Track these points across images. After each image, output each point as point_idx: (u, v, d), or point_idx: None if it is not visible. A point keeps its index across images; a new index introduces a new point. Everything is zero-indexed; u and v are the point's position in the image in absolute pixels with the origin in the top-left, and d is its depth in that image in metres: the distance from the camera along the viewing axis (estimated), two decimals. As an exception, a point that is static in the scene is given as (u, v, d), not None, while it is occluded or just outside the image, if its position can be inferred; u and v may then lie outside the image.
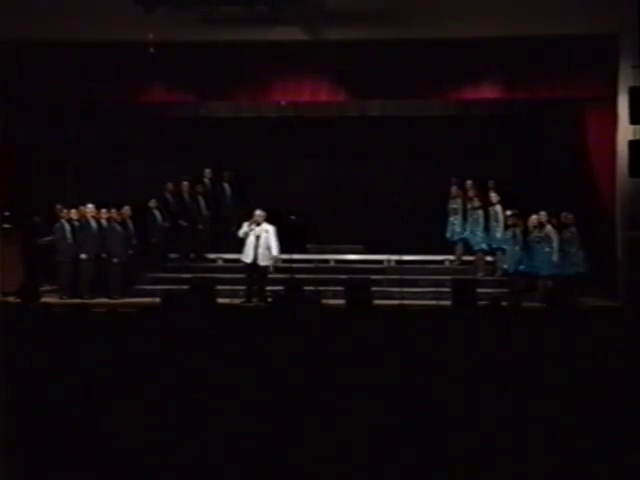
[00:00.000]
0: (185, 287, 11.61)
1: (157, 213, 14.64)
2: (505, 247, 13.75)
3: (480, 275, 13.97)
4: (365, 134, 15.39)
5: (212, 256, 14.98)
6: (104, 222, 13.97)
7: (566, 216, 13.48)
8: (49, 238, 13.91)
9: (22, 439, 5.02)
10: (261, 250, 13.22)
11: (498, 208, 14.01)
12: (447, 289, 11.59)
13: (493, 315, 8.29)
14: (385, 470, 4.81)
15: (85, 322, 7.39)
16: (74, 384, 5.55)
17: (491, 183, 14.36)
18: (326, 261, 14.55)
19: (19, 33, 13.33)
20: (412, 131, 15.12)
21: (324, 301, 10.80)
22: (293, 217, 14.73)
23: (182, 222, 14.88)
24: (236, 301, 12.55)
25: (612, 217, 13.71)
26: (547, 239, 13.32)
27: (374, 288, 11.32)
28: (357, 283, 11.71)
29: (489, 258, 14.26)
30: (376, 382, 5.48)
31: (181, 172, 15.25)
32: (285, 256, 14.55)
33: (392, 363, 5.76)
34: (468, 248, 14.45)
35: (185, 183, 15.03)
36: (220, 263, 14.86)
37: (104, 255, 13.79)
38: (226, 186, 15.37)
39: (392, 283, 13.44)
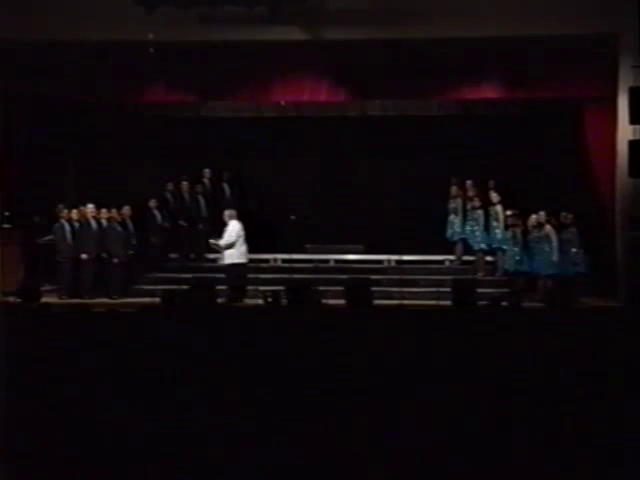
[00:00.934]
0: (185, 287, 11.60)
1: (157, 213, 14.65)
2: (505, 247, 13.76)
3: (480, 275, 13.97)
4: (365, 134, 15.40)
5: (212, 256, 14.98)
6: (104, 222, 13.98)
7: (566, 216, 13.48)
8: (49, 238, 13.91)
9: (22, 439, 5.02)
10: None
11: (498, 208, 14.02)
12: (447, 289, 11.57)
13: (493, 315, 8.29)
14: (385, 470, 4.82)
15: (85, 322, 7.38)
16: (74, 384, 5.55)
17: (491, 183, 14.37)
18: (326, 261, 14.54)
19: (19, 33, 13.32)
20: (412, 131, 15.12)
21: (324, 301, 10.79)
22: (293, 217, 14.73)
23: (182, 222, 14.88)
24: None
25: (612, 217, 13.71)
26: (547, 239, 13.33)
27: (374, 288, 11.32)
28: (357, 283, 11.69)
29: (489, 258, 14.26)
30: (376, 382, 5.48)
31: (181, 172, 15.26)
32: (285, 256, 14.58)
33: (392, 363, 5.76)
34: (468, 248, 14.45)
35: (185, 183, 15.03)
36: (220, 263, 14.85)
37: (104, 255, 13.79)
38: (225, 186, 15.36)
39: (392, 283, 13.44)
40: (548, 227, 13.36)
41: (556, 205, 13.64)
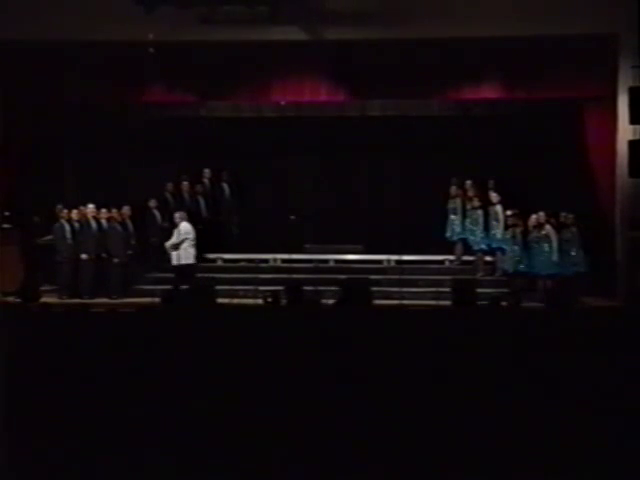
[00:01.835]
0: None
1: (157, 213, 14.65)
2: (505, 247, 13.76)
3: (480, 275, 13.97)
4: (365, 134, 15.39)
5: (212, 256, 14.98)
6: (104, 222, 13.99)
7: (566, 216, 13.49)
8: (49, 238, 13.91)
9: (22, 439, 5.02)
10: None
11: (498, 208, 14.02)
12: (447, 289, 11.58)
13: (493, 315, 8.29)
14: (384, 470, 4.82)
15: (85, 322, 7.38)
16: (74, 384, 5.55)
17: (491, 183, 14.37)
18: (326, 261, 14.54)
19: (19, 33, 13.32)
20: (412, 131, 15.12)
21: (324, 301, 10.79)
22: (293, 217, 14.72)
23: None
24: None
25: (612, 217, 13.71)
26: (547, 239, 13.33)
27: (374, 288, 11.32)
28: (357, 283, 11.69)
29: (489, 258, 14.26)
30: (376, 382, 5.48)
31: (181, 172, 15.26)
32: (285, 256, 14.58)
33: (392, 363, 5.76)
34: (468, 248, 14.44)
35: (185, 183, 15.03)
36: (220, 263, 14.87)
37: (104, 255, 13.79)
38: (225, 186, 15.35)
39: (392, 283, 13.44)
40: (548, 227, 13.37)
41: (556, 205, 13.65)
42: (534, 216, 13.51)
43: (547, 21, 12.91)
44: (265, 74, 14.06)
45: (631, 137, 12.55)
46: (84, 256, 13.69)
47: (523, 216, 13.62)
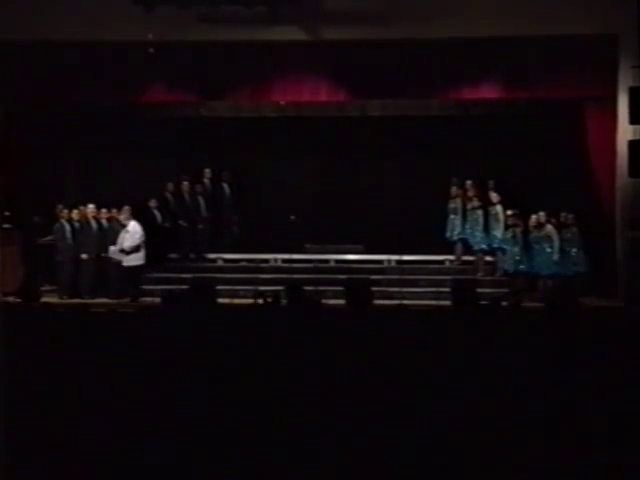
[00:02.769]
0: (185, 287, 11.61)
1: (157, 213, 14.64)
2: (505, 247, 13.76)
3: (480, 275, 13.96)
4: (365, 134, 15.39)
5: (212, 256, 14.98)
6: (104, 222, 13.98)
7: (566, 216, 13.49)
8: (49, 237, 13.91)
9: (22, 438, 5.02)
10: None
11: (498, 208, 14.01)
12: (447, 289, 11.59)
13: (493, 315, 8.29)
14: (385, 470, 4.82)
15: (85, 322, 7.39)
16: (74, 384, 5.55)
17: (491, 183, 14.36)
18: (326, 261, 14.53)
19: (19, 33, 13.32)
20: (412, 131, 15.11)
21: (324, 301, 10.80)
22: (293, 217, 14.71)
23: (182, 222, 14.88)
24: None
25: (612, 217, 13.70)
26: (548, 239, 13.33)
27: (374, 288, 11.33)
28: (357, 283, 11.70)
29: (489, 258, 14.26)
30: (376, 382, 5.48)
31: (181, 172, 15.25)
32: (285, 256, 14.58)
33: (392, 363, 5.76)
34: (468, 248, 14.44)
35: (185, 183, 15.02)
36: (220, 263, 14.87)
37: (104, 255, 13.79)
38: (225, 186, 15.35)
39: (392, 283, 13.44)
40: (549, 227, 13.37)
41: (556, 205, 13.64)
42: (534, 216, 13.50)
43: (547, 21, 12.90)
44: (265, 74, 14.05)
45: (631, 137, 12.54)
46: (84, 256, 13.68)
47: (523, 216, 13.61)
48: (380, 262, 14.45)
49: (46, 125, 14.58)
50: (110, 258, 13.74)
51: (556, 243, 13.28)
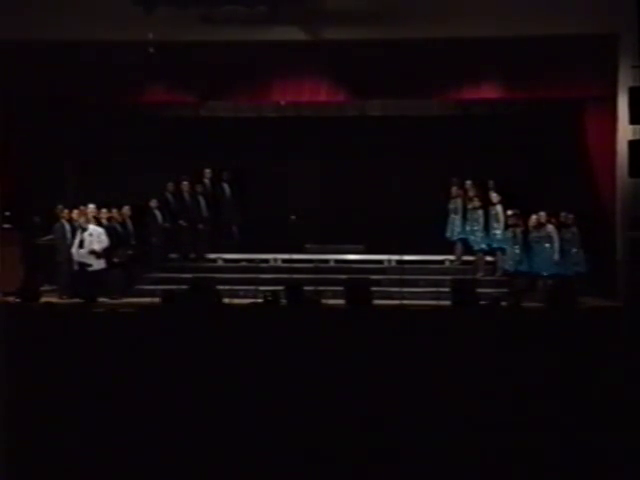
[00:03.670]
0: (185, 287, 11.60)
1: (158, 213, 14.63)
2: (505, 247, 13.76)
3: (480, 275, 13.96)
4: (365, 134, 15.39)
5: (212, 256, 14.98)
6: (104, 222, 13.98)
7: (566, 216, 13.49)
8: (49, 237, 13.90)
9: (22, 438, 5.02)
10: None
11: (499, 208, 14.01)
12: (447, 289, 11.60)
13: (493, 315, 8.29)
14: (385, 470, 4.82)
15: (85, 322, 7.39)
16: (74, 384, 5.55)
17: (491, 183, 14.35)
18: (326, 261, 14.53)
19: (19, 33, 13.32)
20: (412, 131, 15.11)
21: (324, 301, 10.80)
22: (293, 217, 14.71)
23: (182, 222, 14.88)
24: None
25: (612, 217, 13.70)
26: (548, 239, 13.34)
27: (374, 288, 11.33)
28: (357, 283, 11.70)
29: (489, 258, 14.26)
30: (376, 382, 5.48)
31: (181, 172, 15.25)
32: (285, 256, 14.57)
33: (392, 363, 5.76)
34: (468, 248, 14.44)
35: (185, 183, 15.01)
36: (220, 263, 14.87)
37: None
38: (225, 186, 15.35)
39: (392, 283, 13.44)
40: (550, 227, 13.37)
41: (556, 205, 13.64)
42: (534, 216, 13.50)
43: (547, 21, 12.90)
44: (265, 74, 14.06)
45: (631, 137, 12.54)
46: (85, 256, 13.68)
47: (523, 216, 13.61)
48: (380, 262, 14.46)
49: (46, 125, 14.58)
50: (110, 258, 13.73)
51: (556, 243, 13.29)
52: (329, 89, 14.20)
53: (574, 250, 13.37)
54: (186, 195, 15.02)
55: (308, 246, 14.90)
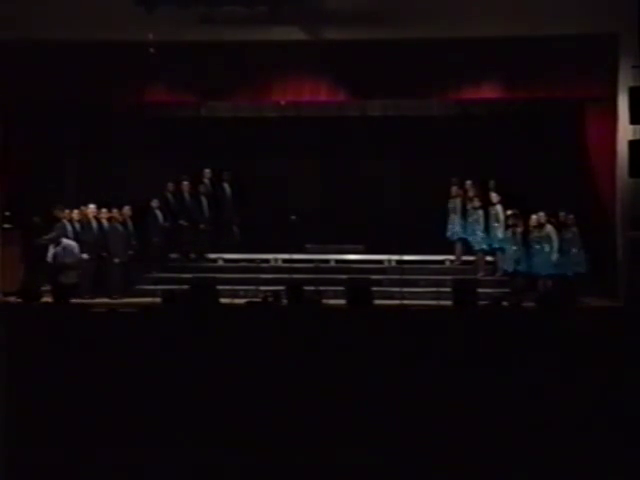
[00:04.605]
0: (185, 287, 11.60)
1: (159, 213, 14.62)
2: (505, 247, 13.75)
3: (480, 275, 13.96)
4: (365, 134, 15.39)
5: (212, 256, 14.97)
6: (104, 222, 13.98)
7: (566, 216, 13.48)
8: (50, 237, 13.88)
9: (22, 438, 5.02)
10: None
11: (499, 208, 13.99)
12: (447, 289, 11.59)
13: (493, 315, 8.29)
14: (385, 470, 4.82)
15: (85, 322, 7.38)
16: (75, 384, 5.55)
17: (491, 183, 14.33)
18: (326, 261, 14.53)
19: (19, 33, 13.32)
20: (412, 131, 15.11)
21: (324, 301, 10.80)
22: (293, 217, 14.72)
23: (182, 222, 14.85)
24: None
25: (612, 217, 13.70)
26: (547, 239, 13.33)
27: (374, 288, 11.32)
28: (357, 283, 11.70)
29: (489, 258, 14.25)
30: (376, 382, 5.48)
31: (181, 172, 15.24)
32: (285, 256, 14.57)
33: (392, 363, 5.76)
34: (468, 248, 14.44)
35: (185, 183, 15.00)
36: (220, 263, 14.87)
37: (105, 255, 13.78)
38: (226, 186, 15.35)
39: (392, 283, 13.43)
40: (549, 227, 13.36)
41: (556, 205, 13.63)
42: (534, 216, 13.50)
43: (547, 21, 12.91)
44: (265, 74, 14.06)
45: (631, 137, 12.54)
46: (85, 256, 13.66)
47: (523, 216, 13.61)
48: (380, 262, 14.45)
49: (46, 125, 14.58)
50: (110, 258, 13.73)
51: (555, 244, 13.27)
52: (329, 89, 14.20)
53: (574, 250, 13.36)
54: (186, 195, 15.00)
55: (308, 246, 14.90)
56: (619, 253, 13.50)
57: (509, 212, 13.76)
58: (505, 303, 10.37)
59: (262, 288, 12.71)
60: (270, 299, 10.03)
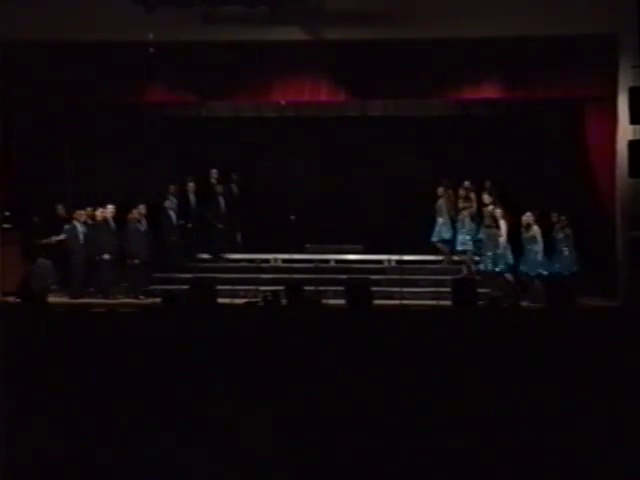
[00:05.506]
0: (185, 287, 11.61)
1: (172, 214, 14.55)
2: (483, 247, 13.66)
3: (465, 274, 13.88)
4: (365, 134, 15.39)
5: (205, 256, 14.91)
6: (111, 222, 13.92)
7: (558, 217, 13.44)
8: (59, 237, 13.87)
9: (22, 438, 5.02)
10: None
11: (490, 209, 13.85)
12: (447, 289, 11.60)
13: (493, 315, 8.30)
14: (385, 470, 4.82)
15: (85, 322, 7.39)
16: (74, 384, 5.56)
17: (487, 184, 14.23)
18: (326, 261, 14.53)
19: (19, 33, 13.32)
20: (412, 131, 15.11)
21: (324, 301, 10.81)
22: (293, 217, 14.72)
23: (189, 224, 14.76)
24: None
25: (612, 217, 13.70)
26: (534, 239, 13.30)
27: (374, 288, 11.33)
28: (357, 283, 11.71)
29: (477, 258, 14.16)
30: (376, 382, 5.49)
31: (181, 172, 15.23)
32: (285, 256, 14.57)
33: (392, 363, 5.77)
34: (453, 248, 14.37)
35: (191, 184, 14.94)
36: (220, 263, 14.86)
37: (117, 256, 13.75)
38: (234, 187, 15.36)
39: (392, 283, 13.42)
40: (535, 228, 13.33)
41: (556, 205, 13.63)
42: (524, 217, 13.44)
43: (547, 21, 12.90)
44: (265, 74, 14.05)
45: (631, 137, 12.53)
46: (106, 256, 13.60)
47: (512, 215, 13.55)
48: (380, 262, 14.44)
49: (46, 125, 14.58)
50: (125, 259, 13.67)
51: (540, 244, 13.26)
52: (329, 89, 14.20)
53: (566, 251, 13.31)
54: (191, 196, 14.92)
55: (308, 246, 14.90)
56: (619, 253, 13.50)
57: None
58: (505, 304, 10.38)
59: (262, 288, 12.71)
60: (270, 299, 10.04)
